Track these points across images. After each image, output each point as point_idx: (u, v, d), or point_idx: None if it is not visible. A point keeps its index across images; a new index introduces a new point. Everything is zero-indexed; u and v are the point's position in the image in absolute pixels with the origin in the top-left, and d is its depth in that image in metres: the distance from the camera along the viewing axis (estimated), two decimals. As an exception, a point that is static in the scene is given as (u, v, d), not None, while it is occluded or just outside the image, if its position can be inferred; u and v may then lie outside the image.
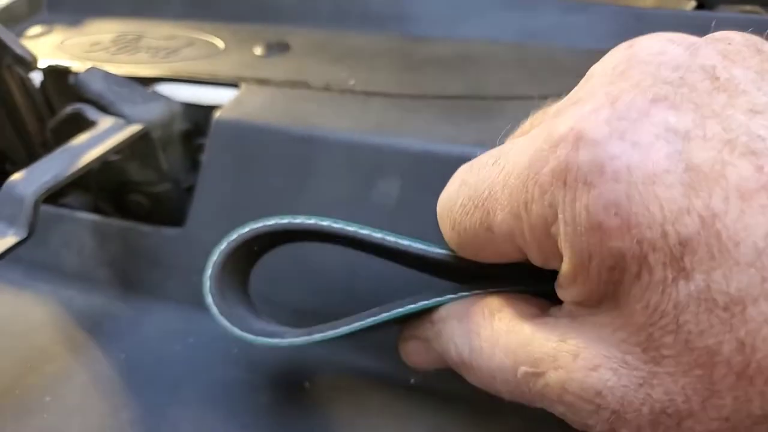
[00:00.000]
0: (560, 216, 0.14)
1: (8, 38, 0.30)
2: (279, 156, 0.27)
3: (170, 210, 0.31)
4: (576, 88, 0.16)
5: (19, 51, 0.30)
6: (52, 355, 0.26)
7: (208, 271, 0.21)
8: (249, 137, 0.27)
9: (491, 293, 0.19)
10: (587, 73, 0.16)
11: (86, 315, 0.28)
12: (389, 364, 0.24)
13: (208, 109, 0.31)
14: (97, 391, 0.24)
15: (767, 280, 0.12)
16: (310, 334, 0.20)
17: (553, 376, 0.16)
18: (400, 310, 0.20)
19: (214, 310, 0.21)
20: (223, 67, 0.33)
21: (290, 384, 0.24)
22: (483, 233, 0.17)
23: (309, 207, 0.26)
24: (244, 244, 0.21)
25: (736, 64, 0.14)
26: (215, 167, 0.28)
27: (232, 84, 0.31)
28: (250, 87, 0.30)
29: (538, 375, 0.16)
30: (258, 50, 0.35)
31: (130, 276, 0.29)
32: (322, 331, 0.20)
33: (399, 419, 0.23)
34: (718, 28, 0.16)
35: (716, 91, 0.14)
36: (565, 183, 0.14)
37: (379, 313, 0.20)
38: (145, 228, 0.29)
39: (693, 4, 0.36)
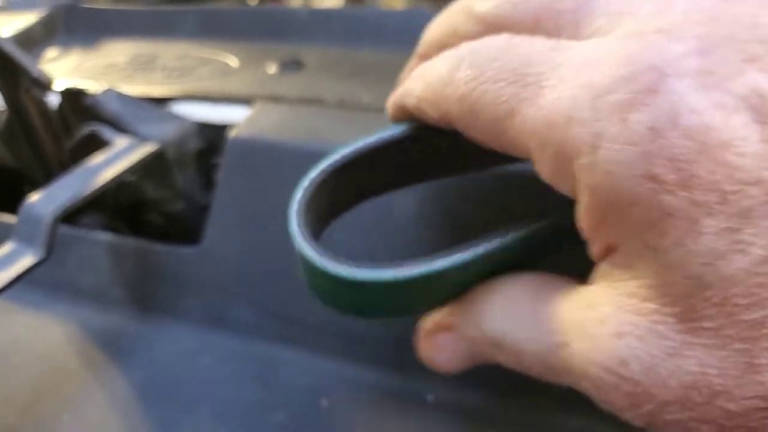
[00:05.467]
0: (606, 150, 0.13)
1: (26, 61, 0.30)
2: (294, 173, 0.27)
3: (186, 229, 0.32)
4: (656, 4, 0.15)
5: (36, 73, 0.30)
6: (70, 374, 0.26)
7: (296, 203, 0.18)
8: (264, 155, 0.27)
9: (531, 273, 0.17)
10: None
11: (103, 334, 0.28)
12: (407, 381, 0.24)
13: (222, 128, 0.31)
14: (114, 409, 0.24)
15: None
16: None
17: (579, 346, 0.15)
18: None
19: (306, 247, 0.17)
20: (237, 86, 0.33)
21: (307, 402, 0.24)
22: (500, 114, 0.15)
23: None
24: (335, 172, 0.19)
25: None
26: (230, 185, 0.28)
27: (246, 102, 0.31)
28: (264, 105, 0.30)
29: (564, 345, 0.15)
30: (271, 68, 0.35)
31: (147, 295, 0.29)
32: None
33: (417, 437, 0.22)
34: None
35: None
36: (624, 121, 0.13)
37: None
38: (161, 247, 0.29)
39: None
